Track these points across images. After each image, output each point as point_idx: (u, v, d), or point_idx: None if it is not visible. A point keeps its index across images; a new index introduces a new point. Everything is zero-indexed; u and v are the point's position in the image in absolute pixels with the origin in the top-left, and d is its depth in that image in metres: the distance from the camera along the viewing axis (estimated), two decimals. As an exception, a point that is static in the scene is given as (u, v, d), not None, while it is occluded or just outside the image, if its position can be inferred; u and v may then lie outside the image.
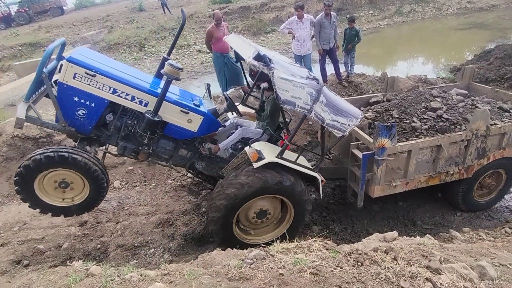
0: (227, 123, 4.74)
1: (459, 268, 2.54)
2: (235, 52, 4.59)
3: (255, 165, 3.70)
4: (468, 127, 4.42)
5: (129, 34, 19.74)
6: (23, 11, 27.23)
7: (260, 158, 3.71)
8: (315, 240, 2.98)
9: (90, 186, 3.77)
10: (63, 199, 3.85)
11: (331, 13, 7.66)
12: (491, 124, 4.50)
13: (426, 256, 2.70)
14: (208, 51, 8.25)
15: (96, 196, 3.90)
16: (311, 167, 4.13)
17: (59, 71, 3.59)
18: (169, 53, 4.41)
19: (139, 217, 5.30)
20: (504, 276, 2.67)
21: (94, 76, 3.54)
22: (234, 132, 4.58)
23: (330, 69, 8.83)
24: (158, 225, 5.11)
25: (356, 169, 4.50)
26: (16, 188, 3.60)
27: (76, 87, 3.55)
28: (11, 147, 6.45)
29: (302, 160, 4.12)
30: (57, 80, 3.64)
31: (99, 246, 4.75)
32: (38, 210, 3.81)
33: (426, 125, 4.61)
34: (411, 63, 15.84)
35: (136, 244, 4.76)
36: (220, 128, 4.55)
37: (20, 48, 19.48)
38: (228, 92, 7.82)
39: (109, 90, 3.64)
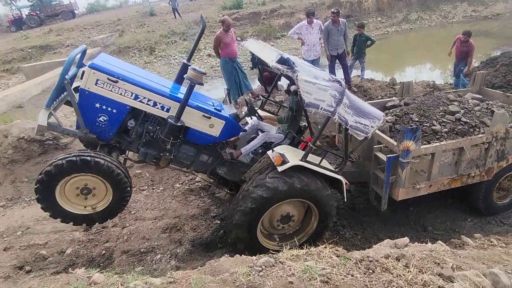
0: (247, 127, 4.73)
1: (472, 276, 2.48)
2: (253, 57, 4.58)
3: (280, 168, 3.64)
4: (488, 130, 4.46)
5: (140, 38, 20.03)
6: (35, 14, 27.58)
7: (284, 161, 3.66)
8: (325, 247, 2.92)
9: (113, 190, 3.70)
10: (85, 207, 3.75)
11: (340, 20, 7.80)
12: (510, 127, 4.59)
13: (438, 263, 2.66)
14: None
15: (119, 201, 3.81)
16: (335, 170, 4.10)
17: (81, 78, 3.54)
18: (189, 59, 4.41)
19: (146, 222, 5.20)
20: (517, 284, 2.64)
21: (116, 82, 3.51)
22: (254, 137, 4.57)
23: (339, 74, 8.99)
24: (165, 230, 5.00)
25: (380, 172, 4.49)
26: (37, 196, 3.48)
27: (98, 94, 3.52)
28: (17, 150, 6.38)
29: (325, 163, 4.08)
30: (78, 87, 3.59)
31: (103, 252, 4.63)
32: (59, 219, 3.71)
33: (445, 128, 4.65)
34: (419, 69, 15.99)
35: (142, 250, 4.63)
36: (241, 133, 4.55)
37: (30, 50, 19.68)
38: (242, 97, 7.96)
39: (131, 96, 3.61)
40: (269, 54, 3.61)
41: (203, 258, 4.38)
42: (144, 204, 5.71)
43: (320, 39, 8.02)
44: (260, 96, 6.73)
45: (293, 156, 3.79)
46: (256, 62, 4.82)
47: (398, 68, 16.12)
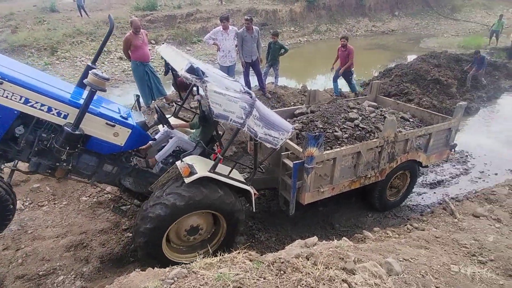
0: (157, 135, 4.58)
1: (370, 267, 2.70)
2: (166, 63, 4.49)
3: (187, 180, 3.58)
4: (380, 135, 4.97)
5: (39, 36, 17.80)
6: None
7: (192, 172, 3.60)
8: (239, 252, 2.96)
9: None
10: None
11: (254, 27, 8.00)
12: (398, 132, 5.15)
13: (343, 258, 2.85)
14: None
15: (0, 221, 3.49)
16: (244, 181, 4.12)
17: None
18: (94, 61, 4.11)
19: (46, 241, 4.75)
20: (407, 270, 2.98)
21: (1, 83, 3.15)
22: (165, 145, 4.44)
23: (254, 81, 9.16)
24: (69, 248, 4.63)
25: (287, 178, 4.65)
26: None
27: None
28: None
29: (235, 173, 4.08)
30: None
31: None
32: None
33: (346, 134, 5.07)
34: (328, 77, 17.27)
35: (41, 273, 4.23)
36: (151, 142, 4.38)
37: None
38: (155, 103, 7.64)
39: (20, 99, 3.25)
40: (180, 62, 3.51)
41: (113, 275, 4.13)
42: (44, 221, 5.20)
43: (235, 45, 8.10)
44: (174, 103, 6.50)
45: (202, 167, 3.73)
46: (169, 68, 4.69)
47: (310, 76, 17.20)
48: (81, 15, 20.83)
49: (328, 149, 4.74)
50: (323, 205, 5.77)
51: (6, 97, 3.21)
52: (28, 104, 3.30)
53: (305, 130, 5.21)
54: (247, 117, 3.41)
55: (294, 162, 4.37)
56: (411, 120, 6.07)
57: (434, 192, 6.67)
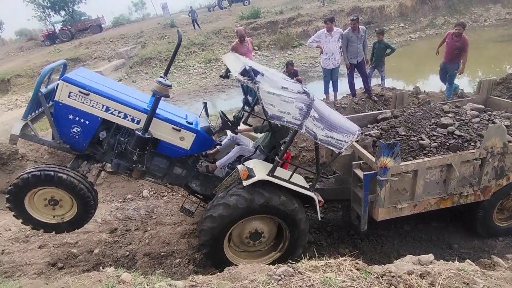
0: (224, 141, 4.70)
1: None
2: (227, 69, 4.58)
3: (245, 183, 3.60)
4: (482, 145, 4.07)
5: (161, 49, 20.63)
6: (66, 29, 29.56)
7: (250, 176, 3.60)
8: (345, 259, 2.87)
9: (78, 203, 3.84)
10: (54, 216, 3.94)
11: (360, 27, 7.55)
12: (509, 141, 4.14)
13: (468, 284, 2.53)
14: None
15: (84, 214, 3.95)
16: (307, 187, 3.94)
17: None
18: (166, 73, 4.39)
19: (166, 227, 5.39)
20: (556, 309, 2.45)
21: (88, 94, 3.65)
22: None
23: (358, 83, 8.66)
24: (184, 236, 5.14)
25: (359, 190, 4.25)
26: (7, 205, 3.70)
27: (71, 105, 3.67)
28: (52, 155, 6.84)
29: (298, 179, 3.95)
30: None
31: (127, 253, 4.88)
32: (30, 226, 3.94)
33: (436, 142, 4.29)
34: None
35: (162, 253, 4.82)
36: (218, 146, 4.53)
37: (62, 63, 20.94)
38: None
39: (102, 108, 3.73)
40: (237, 66, 3.58)
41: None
42: (164, 209, 5.97)
43: (340, 47, 7.78)
44: (242, 109, 6.65)
45: (261, 171, 3.71)
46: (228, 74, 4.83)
47: (422, 76, 15.40)
48: (194, 28, 23.32)
49: (410, 160, 4.11)
50: (436, 219, 5.14)
51: (92, 106, 3.72)
52: (109, 112, 3.77)
53: (384, 138, 4.63)
54: (304, 118, 3.27)
55: (365, 173, 3.98)
56: (534, 126, 4.79)
57: None
